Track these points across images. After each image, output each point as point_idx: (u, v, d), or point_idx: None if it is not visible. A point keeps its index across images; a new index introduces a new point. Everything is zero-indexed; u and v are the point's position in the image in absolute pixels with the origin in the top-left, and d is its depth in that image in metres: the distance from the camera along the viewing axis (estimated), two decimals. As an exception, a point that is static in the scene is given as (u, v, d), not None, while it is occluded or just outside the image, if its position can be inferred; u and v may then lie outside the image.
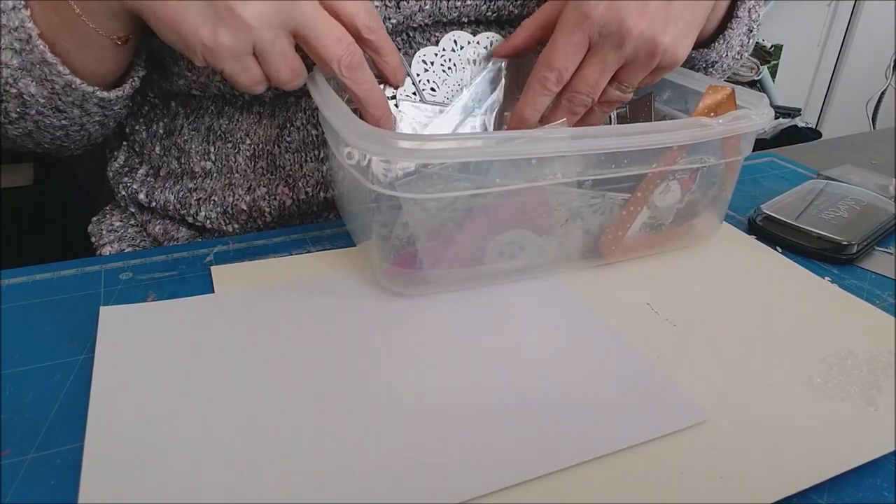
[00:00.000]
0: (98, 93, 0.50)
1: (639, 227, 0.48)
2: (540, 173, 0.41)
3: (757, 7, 0.62)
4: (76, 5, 0.45)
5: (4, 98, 0.49)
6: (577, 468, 0.33)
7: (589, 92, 0.48)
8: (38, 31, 0.46)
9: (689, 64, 0.55)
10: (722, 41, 0.60)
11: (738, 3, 0.59)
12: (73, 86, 0.48)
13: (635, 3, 0.45)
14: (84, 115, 0.52)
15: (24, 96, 0.48)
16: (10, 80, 0.47)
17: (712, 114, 0.47)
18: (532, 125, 0.50)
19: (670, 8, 0.46)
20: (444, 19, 0.55)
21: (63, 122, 0.52)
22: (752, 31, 0.62)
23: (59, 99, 0.49)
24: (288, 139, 0.57)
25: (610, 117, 0.59)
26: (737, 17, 0.59)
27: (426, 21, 0.55)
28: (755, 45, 1.86)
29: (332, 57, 0.42)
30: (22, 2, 0.45)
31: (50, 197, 0.85)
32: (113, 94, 0.51)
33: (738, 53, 0.64)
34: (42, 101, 0.49)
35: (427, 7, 0.54)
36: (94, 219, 0.67)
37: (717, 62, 0.62)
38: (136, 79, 0.53)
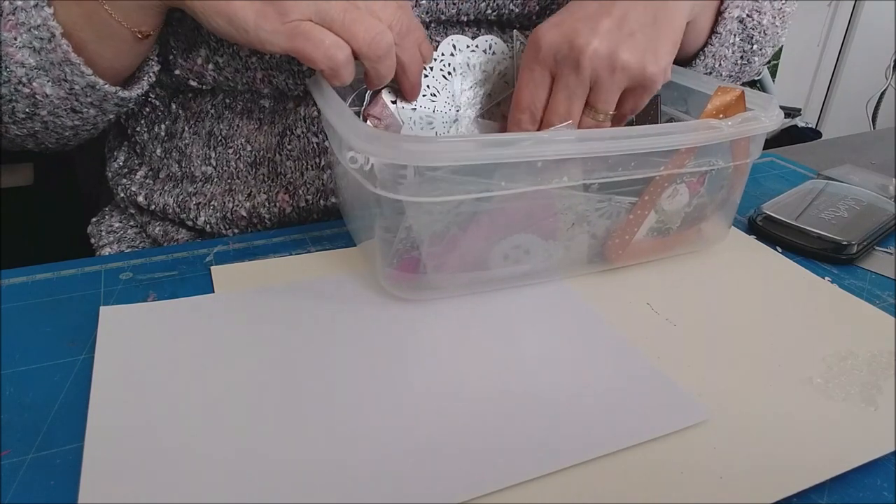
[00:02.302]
0: (120, 93, 0.49)
1: (646, 231, 0.48)
2: (545, 176, 0.41)
3: (756, 15, 0.59)
4: None
5: (15, 98, 0.47)
6: (577, 468, 0.33)
7: (562, 123, 0.47)
8: (62, 30, 0.44)
9: None
10: (702, 57, 0.58)
11: (719, 18, 0.57)
12: (97, 87, 0.47)
13: (584, 22, 0.45)
14: (99, 114, 0.51)
15: (37, 96, 0.47)
16: (25, 80, 0.46)
17: (721, 116, 0.46)
18: None
19: (624, 22, 0.45)
20: (443, 17, 0.55)
21: (76, 122, 0.51)
22: (752, 37, 0.59)
23: (77, 100, 0.48)
24: (288, 147, 0.57)
25: None
26: (717, 33, 0.57)
27: (423, 18, 0.54)
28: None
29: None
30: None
31: (50, 197, 0.85)
32: (133, 92, 0.50)
33: (737, 65, 0.61)
34: (57, 101, 0.47)
35: (424, 2, 0.53)
36: (94, 220, 0.67)
37: (711, 73, 0.61)
38: (151, 74, 0.52)
